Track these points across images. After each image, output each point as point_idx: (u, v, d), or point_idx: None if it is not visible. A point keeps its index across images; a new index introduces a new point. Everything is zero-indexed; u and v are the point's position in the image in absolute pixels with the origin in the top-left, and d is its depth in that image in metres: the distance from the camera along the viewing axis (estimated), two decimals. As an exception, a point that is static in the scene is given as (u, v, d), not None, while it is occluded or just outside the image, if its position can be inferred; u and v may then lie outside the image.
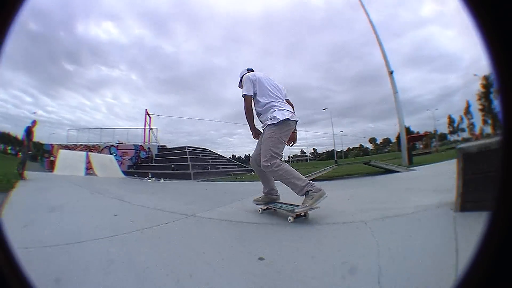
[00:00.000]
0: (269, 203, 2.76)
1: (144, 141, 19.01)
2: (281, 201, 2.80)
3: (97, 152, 16.05)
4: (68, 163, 10.51)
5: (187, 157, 14.14)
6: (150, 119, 19.69)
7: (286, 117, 2.46)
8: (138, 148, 17.87)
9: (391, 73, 8.97)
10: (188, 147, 17.48)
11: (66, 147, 17.37)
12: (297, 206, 2.31)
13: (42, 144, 20.00)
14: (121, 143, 18.27)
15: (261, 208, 2.78)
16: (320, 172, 6.32)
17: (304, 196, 2.27)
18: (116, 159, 14.54)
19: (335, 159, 38.98)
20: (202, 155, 16.81)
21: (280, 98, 2.64)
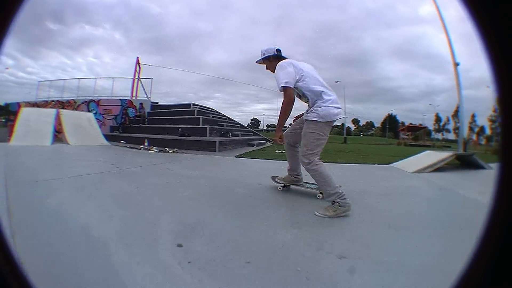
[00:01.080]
0: (291, 183, 2.87)
1: (132, 95, 14.09)
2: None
3: (72, 110, 12.45)
4: (31, 127, 7.35)
5: (198, 118, 10.20)
6: (140, 70, 14.74)
7: (336, 118, 2.24)
8: (126, 104, 13.41)
9: (456, 65, 7.52)
10: (194, 104, 13.58)
11: (35, 105, 13.62)
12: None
13: (7, 105, 16.75)
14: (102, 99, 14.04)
15: (281, 186, 2.90)
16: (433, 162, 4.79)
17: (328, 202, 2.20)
18: (96, 119, 10.42)
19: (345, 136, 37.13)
20: (212, 116, 12.30)
21: (330, 90, 2.33)
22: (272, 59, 2.50)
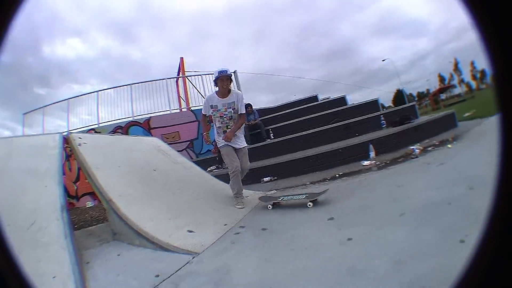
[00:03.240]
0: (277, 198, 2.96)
1: (188, 103, 8.61)
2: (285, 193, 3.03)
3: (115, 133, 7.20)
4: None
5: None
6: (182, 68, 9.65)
7: None
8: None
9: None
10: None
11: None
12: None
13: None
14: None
15: (270, 205, 2.91)
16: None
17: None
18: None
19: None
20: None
21: None
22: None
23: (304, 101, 8.43)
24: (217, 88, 3.14)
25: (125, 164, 3.33)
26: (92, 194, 6.47)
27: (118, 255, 2.23)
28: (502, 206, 0.41)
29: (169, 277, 1.74)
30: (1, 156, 2.66)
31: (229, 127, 3.12)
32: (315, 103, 7.99)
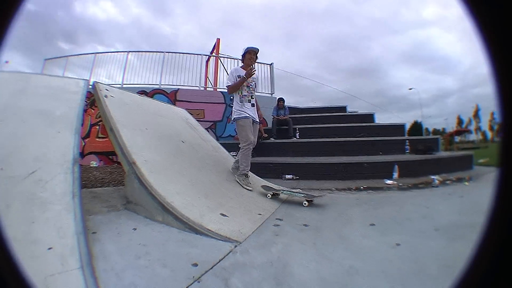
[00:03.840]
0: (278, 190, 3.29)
1: (216, 83, 8.66)
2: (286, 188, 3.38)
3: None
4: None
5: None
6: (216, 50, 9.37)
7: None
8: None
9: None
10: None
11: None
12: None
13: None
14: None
15: (270, 194, 3.18)
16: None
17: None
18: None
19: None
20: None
21: None
22: None
23: (332, 109, 8.55)
24: (241, 64, 3.48)
25: (153, 128, 3.06)
26: (98, 154, 6.72)
27: (134, 229, 1.86)
28: (502, 206, 0.42)
29: (211, 268, 1.44)
30: (12, 92, 2.20)
31: (253, 97, 3.39)
32: (343, 113, 8.13)
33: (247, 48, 3.31)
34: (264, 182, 3.71)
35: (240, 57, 3.46)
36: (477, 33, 0.42)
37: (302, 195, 3.09)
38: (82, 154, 6.57)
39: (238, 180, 3.23)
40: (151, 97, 6.99)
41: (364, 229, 2.21)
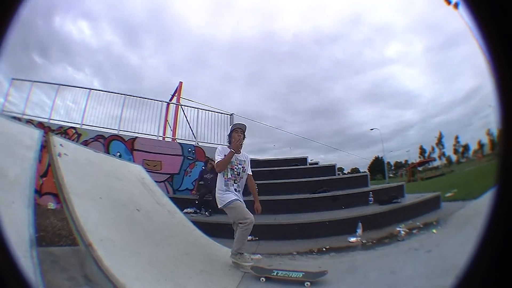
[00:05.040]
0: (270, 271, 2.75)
1: (175, 134, 8.61)
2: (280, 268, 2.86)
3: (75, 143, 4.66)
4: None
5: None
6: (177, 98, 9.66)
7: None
8: (191, 152, 7.42)
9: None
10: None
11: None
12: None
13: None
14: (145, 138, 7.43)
15: (263, 278, 2.67)
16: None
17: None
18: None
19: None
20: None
21: None
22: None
23: (293, 161, 8.35)
24: (227, 145, 3.29)
25: (107, 196, 2.88)
26: (55, 196, 5.73)
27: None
28: (502, 205, 0.42)
29: None
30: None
31: (236, 181, 3.10)
32: (303, 166, 7.90)
33: (234, 125, 3.23)
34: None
35: (227, 136, 3.34)
36: (477, 33, 0.42)
37: (301, 274, 2.64)
38: (40, 193, 5.92)
39: (234, 261, 2.96)
40: (109, 143, 6.91)
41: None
